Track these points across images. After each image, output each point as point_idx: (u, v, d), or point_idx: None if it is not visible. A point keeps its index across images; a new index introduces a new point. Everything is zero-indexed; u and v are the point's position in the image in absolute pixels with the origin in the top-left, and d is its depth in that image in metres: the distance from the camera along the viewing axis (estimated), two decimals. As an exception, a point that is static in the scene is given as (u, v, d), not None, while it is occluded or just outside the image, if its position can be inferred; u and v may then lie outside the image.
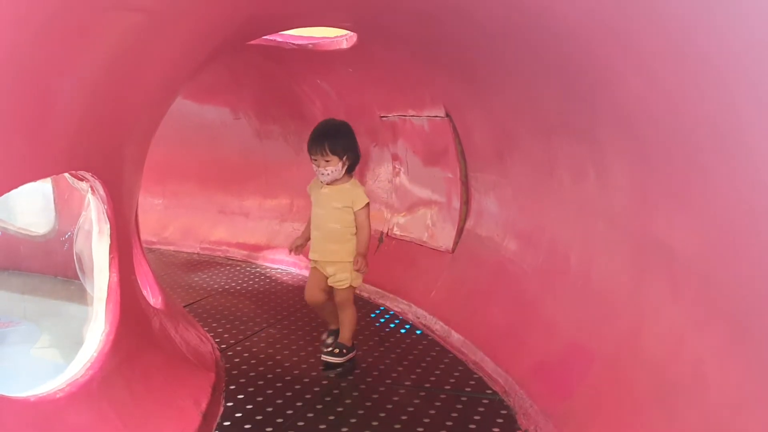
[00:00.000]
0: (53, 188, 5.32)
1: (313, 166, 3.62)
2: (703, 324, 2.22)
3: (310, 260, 3.79)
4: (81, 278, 4.11)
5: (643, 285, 2.64)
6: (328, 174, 3.58)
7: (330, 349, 3.70)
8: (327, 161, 3.56)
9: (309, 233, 3.78)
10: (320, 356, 3.72)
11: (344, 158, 3.57)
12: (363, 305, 4.74)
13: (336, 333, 3.83)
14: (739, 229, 2.01)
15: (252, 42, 4.46)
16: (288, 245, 3.90)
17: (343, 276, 3.67)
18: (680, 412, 2.22)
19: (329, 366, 3.65)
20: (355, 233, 3.67)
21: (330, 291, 3.76)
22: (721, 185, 2.05)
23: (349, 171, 3.67)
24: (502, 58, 3.25)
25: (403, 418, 3.10)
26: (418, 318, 4.39)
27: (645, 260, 2.64)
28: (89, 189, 2.66)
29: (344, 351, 3.69)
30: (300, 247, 3.81)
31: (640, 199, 2.65)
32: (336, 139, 3.57)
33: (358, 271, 3.64)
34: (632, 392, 2.50)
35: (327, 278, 3.72)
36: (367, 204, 3.65)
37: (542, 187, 3.57)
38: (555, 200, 3.45)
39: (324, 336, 3.94)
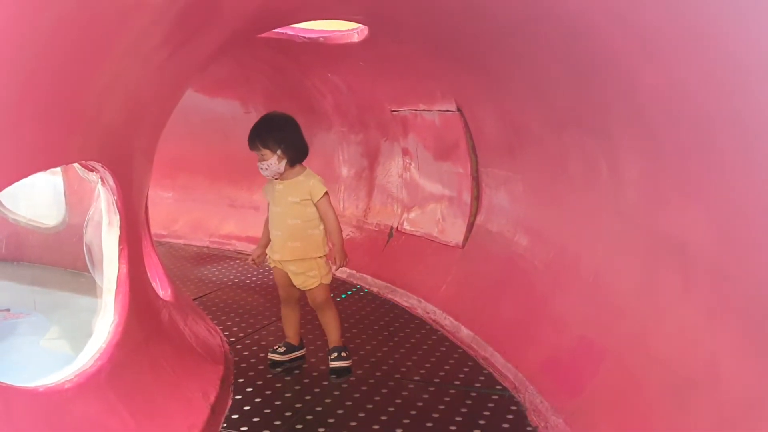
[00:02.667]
0: (63, 180, 5.32)
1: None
2: (716, 320, 2.20)
3: (269, 261, 3.63)
4: (90, 270, 4.11)
5: (655, 281, 2.61)
6: (265, 168, 3.46)
7: (334, 355, 3.55)
8: (262, 155, 3.45)
9: (266, 239, 3.63)
10: (330, 365, 3.54)
11: (278, 151, 3.42)
12: (372, 299, 4.73)
13: (290, 346, 3.68)
14: (754, 224, 1.98)
15: (262, 35, 4.44)
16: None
17: (311, 274, 3.52)
18: (693, 408, 2.20)
19: (340, 372, 3.50)
20: (318, 226, 3.52)
21: (299, 290, 3.61)
22: (737, 180, 2.03)
23: (293, 163, 3.49)
24: (514, 51, 3.22)
25: (412, 413, 3.08)
26: (428, 313, 4.37)
27: (657, 256, 2.61)
28: (99, 180, 2.66)
29: (347, 353, 3.58)
30: (261, 257, 3.66)
31: (652, 194, 2.63)
32: (268, 133, 3.44)
33: (337, 267, 3.54)
34: (643, 388, 2.48)
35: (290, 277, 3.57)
36: (326, 193, 3.49)
37: (554, 183, 3.54)
38: (566, 195, 3.43)
39: (281, 349, 3.67)
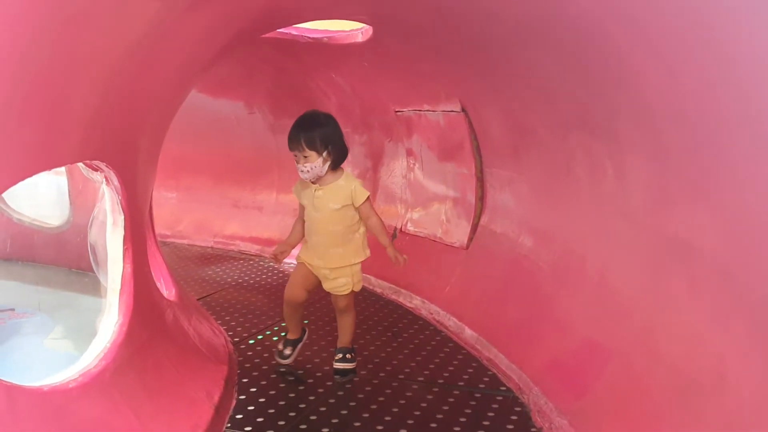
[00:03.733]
0: (68, 180, 5.33)
1: (296, 163, 3.33)
2: (723, 321, 2.19)
3: (299, 258, 3.52)
4: (95, 269, 4.11)
5: (661, 282, 2.60)
6: (307, 171, 3.28)
7: (340, 356, 3.51)
8: (305, 157, 3.25)
9: (297, 238, 3.53)
10: (333, 364, 3.51)
11: (324, 153, 3.26)
12: (376, 300, 4.73)
13: (294, 343, 3.62)
14: (760, 226, 1.98)
15: (266, 35, 4.44)
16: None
17: (345, 281, 3.42)
18: (698, 410, 2.19)
19: (344, 373, 3.47)
20: (359, 229, 3.43)
21: (311, 291, 3.56)
22: (743, 182, 2.02)
23: (334, 167, 3.35)
24: (519, 52, 3.21)
25: (416, 413, 3.08)
26: (432, 314, 4.37)
27: (663, 257, 2.60)
28: (104, 179, 2.66)
29: (353, 354, 3.55)
30: (284, 253, 3.51)
31: (658, 195, 2.62)
32: (312, 132, 3.25)
33: (398, 264, 3.39)
34: (649, 390, 2.47)
35: (317, 279, 3.49)
36: (368, 197, 3.38)
37: (559, 184, 3.53)
38: (572, 197, 3.42)
39: (280, 346, 3.63)
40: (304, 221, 3.48)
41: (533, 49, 3.06)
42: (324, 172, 3.31)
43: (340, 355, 3.52)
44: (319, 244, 3.41)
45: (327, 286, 3.47)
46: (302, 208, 3.47)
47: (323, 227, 3.38)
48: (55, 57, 1.93)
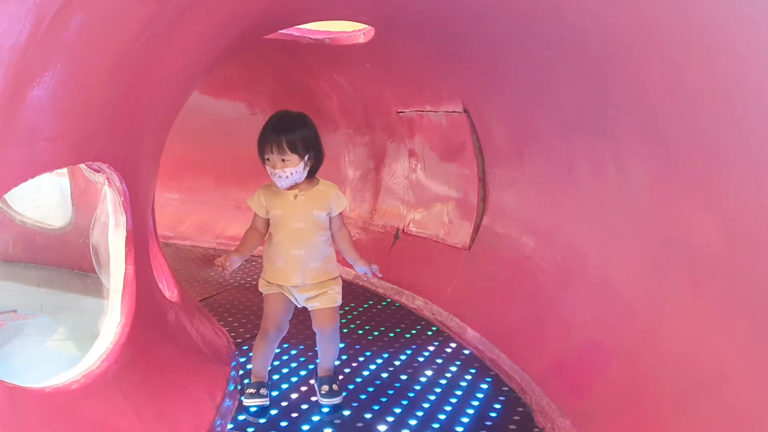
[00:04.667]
0: (70, 182, 5.34)
1: (267, 168, 2.97)
2: (725, 321, 2.19)
3: (266, 288, 3.09)
4: (97, 271, 4.12)
5: (664, 282, 2.60)
6: (286, 177, 2.92)
7: (326, 389, 3.16)
8: (284, 161, 2.90)
9: (249, 249, 3.07)
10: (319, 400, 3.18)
11: (306, 157, 2.92)
12: (378, 301, 4.73)
13: (262, 385, 3.17)
14: (762, 225, 1.97)
15: (268, 36, 4.45)
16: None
17: (336, 290, 3.08)
18: (701, 409, 2.19)
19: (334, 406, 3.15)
20: (331, 242, 3.08)
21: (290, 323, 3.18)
22: (745, 182, 2.02)
23: (311, 174, 3.01)
24: (521, 52, 3.21)
25: (419, 414, 3.08)
26: (434, 314, 4.37)
27: (665, 257, 2.60)
28: (106, 181, 2.66)
29: (339, 384, 3.22)
30: (233, 264, 2.97)
31: (661, 196, 2.62)
32: (295, 134, 2.91)
33: (373, 275, 3.06)
34: (652, 390, 2.46)
35: (293, 305, 3.10)
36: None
37: (561, 184, 3.53)
38: (574, 197, 3.42)
39: (251, 389, 3.15)
40: (258, 232, 3.10)
41: (535, 50, 3.06)
42: (302, 178, 2.98)
43: (327, 387, 3.17)
44: (299, 259, 2.99)
45: (313, 303, 3.05)
46: (261, 219, 3.08)
47: (306, 239, 2.99)
48: (56, 59, 1.93)
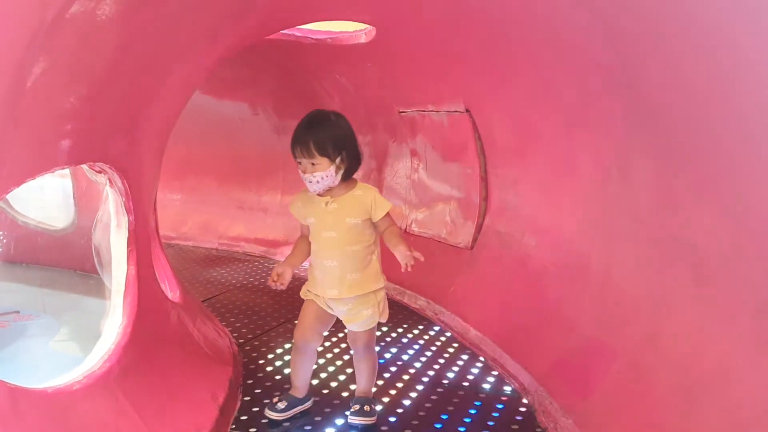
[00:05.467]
0: (72, 182, 5.34)
1: (299, 172, 2.80)
2: (728, 321, 2.18)
3: (305, 295, 2.97)
4: (99, 271, 4.12)
5: (666, 282, 2.60)
6: (317, 182, 2.74)
7: (357, 408, 2.96)
8: (313, 164, 2.72)
9: (300, 258, 2.93)
10: (349, 419, 2.97)
11: (337, 159, 2.73)
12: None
13: (294, 401, 3.02)
14: (765, 226, 1.97)
15: (270, 37, 4.45)
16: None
17: (367, 312, 2.87)
18: (704, 409, 2.18)
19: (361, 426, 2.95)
20: (375, 251, 2.88)
21: (325, 333, 3.03)
22: (748, 181, 2.01)
23: (349, 175, 2.82)
24: (523, 53, 3.21)
25: (421, 414, 3.07)
26: (437, 314, 4.36)
27: (668, 257, 2.59)
28: (107, 181, 2.66)
29: (372, 406, 3.00)
30: (286, 275, 2.83)
31: (663, 195, 2.61)
32: (323, 134, 2.72)
33: (412, 263, 2.75)
34: (654, 389, 2.46)
35: (331, 317, 2.95)
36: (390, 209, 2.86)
37: (563, 184, 3.53)
38: (576, 196, 3.41)
39: (275, 399, 3.04)
40: (306, 238, 2.94)
41: (537, 50, 3.06)
42: (336, 182, 2.78)
43: (357, 407, 2.97)
44: (334, 270, 2.82)
45: (347, 320, 2.91)
46: (305, 226, 2.93)
47: (339, 249, 2.81)
48: (58, 59, 1.93)
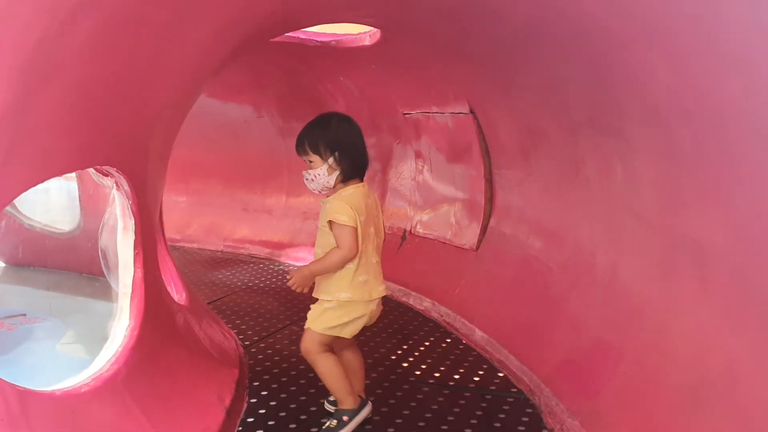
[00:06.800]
0: (78, 185, 5.36)
1: None
2: (734, 321, 2.18)
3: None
4: (106, 274, 4.13)
5: (672, 282, 2.59)
6: (311, 179, 2.77)
7: (326, 425, 2.89)
8: (310, 162, 2.77)
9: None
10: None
11: (330, 159, 2.73)
12: (386, 302, 4.71)
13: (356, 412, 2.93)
14: (772, 224, 1.97)
15: (275, 39, 4.46)
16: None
17: (311, 313, 2.88)
18: (710, 410, 2.18)
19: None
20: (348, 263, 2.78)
21: (333, 341, 2.93)
22: (755, 181, 2.01)
23: (347, 178, 2.79)
24: (527, 52, 3.21)
25: (427, 416, 3.08)
26: (442, 316, 4.36)
27: (674, 257, 2.59)
28: (114, 184, 2.67)
29: (342, 419, 2.87)
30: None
31: (669, 195, 2.61)
32: (317, 133, 2.75)
33: (290, 285, 2.80)
34: (661, 390, 2.46)
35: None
36: (344, 222, 2.69)
37: (568, 184, 3.53)
38: (581, 197, 3.41)
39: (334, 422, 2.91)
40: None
41: (541, 50, 3.06)
42: (332, 183, 2.77)
43: (326, 425, 2.91)
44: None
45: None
46: None
47: (315, 248, 2.88)
48: (65, 62, 1.94)
